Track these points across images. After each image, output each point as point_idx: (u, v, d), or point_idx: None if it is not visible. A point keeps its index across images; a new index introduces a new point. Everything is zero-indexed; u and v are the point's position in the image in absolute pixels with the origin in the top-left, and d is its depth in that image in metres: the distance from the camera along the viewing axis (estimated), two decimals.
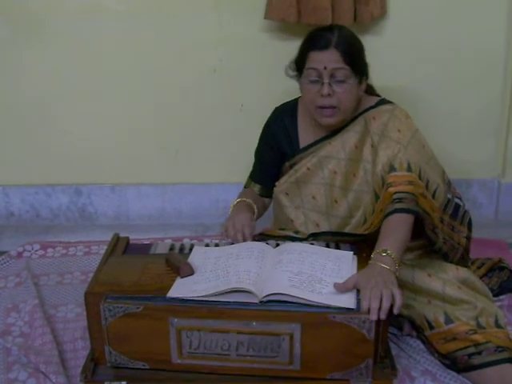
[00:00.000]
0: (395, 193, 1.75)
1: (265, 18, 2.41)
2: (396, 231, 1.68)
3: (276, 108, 2.11)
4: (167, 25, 2.54)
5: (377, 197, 1.85)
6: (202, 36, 2.55)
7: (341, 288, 1.52)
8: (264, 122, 2.12)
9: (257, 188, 2.12)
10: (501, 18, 2.52)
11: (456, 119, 2.66)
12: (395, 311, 1.47)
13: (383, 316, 1.45)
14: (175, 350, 1.52)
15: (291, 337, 1.47)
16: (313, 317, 1.46)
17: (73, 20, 2.53)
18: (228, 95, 2.63)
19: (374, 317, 1.43)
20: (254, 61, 2.58)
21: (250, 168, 2.18)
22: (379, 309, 1.44)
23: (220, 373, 1.54)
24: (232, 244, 1.80)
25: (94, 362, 1.58)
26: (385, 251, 1.59)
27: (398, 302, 1.46)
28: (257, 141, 2.14)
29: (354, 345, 1.47)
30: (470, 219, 2.02)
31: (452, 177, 2.02)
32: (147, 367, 1.55)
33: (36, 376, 1.74)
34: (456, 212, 1.96)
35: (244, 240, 1.79)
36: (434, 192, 1.87)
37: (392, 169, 1.81)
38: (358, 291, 1.51)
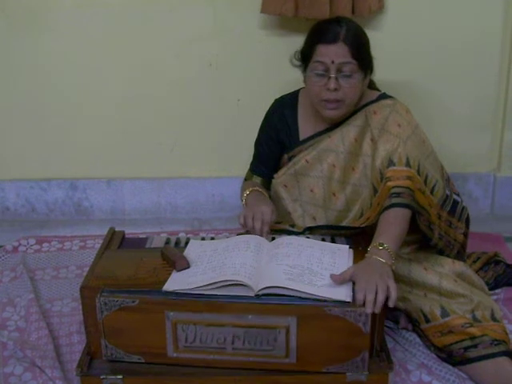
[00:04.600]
0: (393, 187, 1.75)
1: (261, 12, 2.39)
2: (393, 225, 1.68)
3: (276, 99, 2.10)
4: (163, 19, 2.52)
5: (375, 191, 1.85)
6: (197, 30, 2.54)
7: (337, 279, 1.52)
8: (260, 117, 2.11)
9: (258, 181, 2.11)
10: (497, 12, 2.51)
11: (452, 113, 2.65)
12: (390, 304, 1.47)
13: (377, 310, 1.45)
14: (171, 344, 1.52)
15: (287, 330, 1.47)
16: (309, 310, 1.46)
17: (68, 15, 2.51)
18: (224, 90, 2.63)
19: (369, 310, 1.44)
20: (250, 55, 2.57)
21: (246, 163, 2.18)
22: (374, 301, 1.44)
23: (216, 366, 1.54)
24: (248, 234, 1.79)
25: (90, 355, 1.58)
26: (381, 245, 1.60)
27: (393, 295, 1.47)
28: (253, 135, 2.14)
29: (349, 338, 1.47)
30: (468, 216, 2.02)
31: (448, 171, 2.03)
32: (143, 361, 1.55)
33: (32, 370, 1.73)
34: (454, 208, 1.96)
35: (261, 232, 1.78)
36: (433, 188, 1.87)
37: (391, 163, 1.81)
38: (354, 284, 1.51)
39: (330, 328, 1.47)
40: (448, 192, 1.94)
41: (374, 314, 1.46)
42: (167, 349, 1.52)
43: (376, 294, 1.45)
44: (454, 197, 1.97)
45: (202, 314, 1.48)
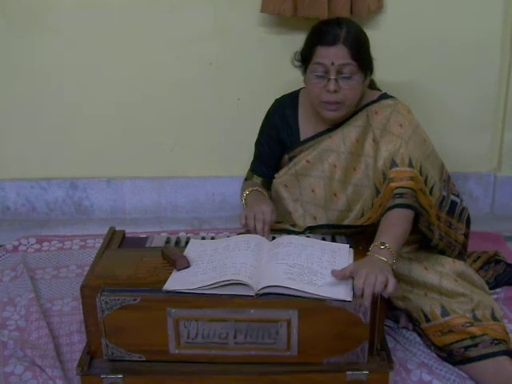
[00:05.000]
0: (396, 188, 1.75)
1: (261, 11, 2.39)
2: (395, 226, 1.68)
3: (276, 99, 2.10)
4: (163, 19, 2.52)
5: (377, 192, 1.85)
6: (197, 30, 2.54)
7: (338, 275, 1.53)
8: (260, 116, 2.11)
9: (258, 181, 2.11)
10: (497, 12, 2.51)
11: (452, 113, 2.65)
12: (385, 295, 1.48)
13: (370, 292, 1.46)
14: (173, 341, 1.52)
15: (289, 323, 1.48)
16: (310, 302, 1.47)
17: (68, 15, 2.51)
18: (224, 89, 2.63)
19: (367, 302, 1.45)
20: (250, 54, 2.57)
21: (247, 162, 2.18)
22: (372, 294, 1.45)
23: (218, 361, 1.54)
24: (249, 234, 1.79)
25: (90, 355, 1.58)
26: (383, 244, 1.60)
27: (390, 287, 1.47)
28: (253, 135, 2.14)
29: (349, 328, 1.48)
30: (468, 216, 2.02)
31: (448, 170, 2.02)
32: (144, 359, 1.55)
33: (32, 370, 1.74)
34: (453, 209, 1.96)
35: (262, 232, 1.77)
36: (431, 188, 1.87)
37: (393, 164, 1.81)
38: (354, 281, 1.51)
39: (330, 319, 1.48)
40: (445, 193, 1.94)
41: (374, 306, 1.46)
42: (169, 346, 1.52)
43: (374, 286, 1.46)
44: (452, 197, 1.97)
45: (203, 310, 1.49)
